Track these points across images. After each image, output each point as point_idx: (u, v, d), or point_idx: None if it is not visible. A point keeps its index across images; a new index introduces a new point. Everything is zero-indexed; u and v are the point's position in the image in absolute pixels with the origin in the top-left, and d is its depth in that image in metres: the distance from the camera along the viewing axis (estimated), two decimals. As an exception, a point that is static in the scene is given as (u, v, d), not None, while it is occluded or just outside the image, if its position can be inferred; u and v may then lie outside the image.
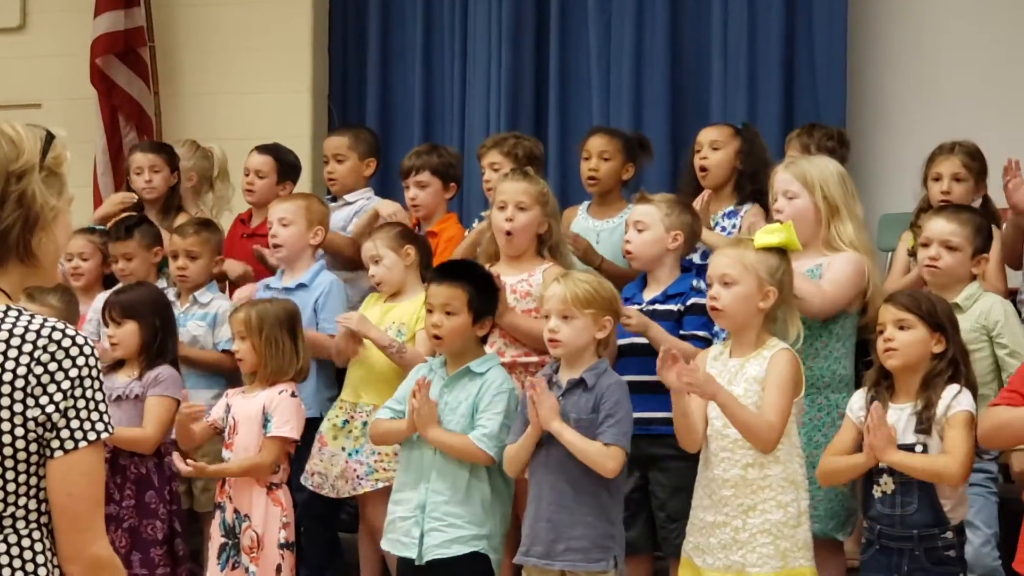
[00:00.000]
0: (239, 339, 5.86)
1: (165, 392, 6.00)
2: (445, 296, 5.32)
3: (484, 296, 5.38)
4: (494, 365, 5.40)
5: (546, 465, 5.09)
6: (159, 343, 6.08)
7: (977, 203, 6.24)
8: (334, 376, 6.43)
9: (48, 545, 2.82)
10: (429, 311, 5.38)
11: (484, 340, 5.46)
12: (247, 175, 7.24)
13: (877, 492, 4.79)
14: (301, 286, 6.42)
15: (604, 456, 4.98)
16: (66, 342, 2.78)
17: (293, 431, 5.71)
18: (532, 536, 5.11)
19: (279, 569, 5.64)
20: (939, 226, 5.47)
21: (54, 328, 2.80)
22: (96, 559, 2.82)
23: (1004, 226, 5.98)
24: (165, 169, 7.39)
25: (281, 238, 6.50)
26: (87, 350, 2.80)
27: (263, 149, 7.31)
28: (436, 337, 5.36)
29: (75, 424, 2.77)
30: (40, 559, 2.80)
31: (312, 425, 6.17)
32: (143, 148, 7.58)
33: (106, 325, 6.15)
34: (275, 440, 5.70)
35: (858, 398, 4.91)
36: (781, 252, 4.95)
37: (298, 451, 6.08)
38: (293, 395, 5.77)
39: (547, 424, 5.00)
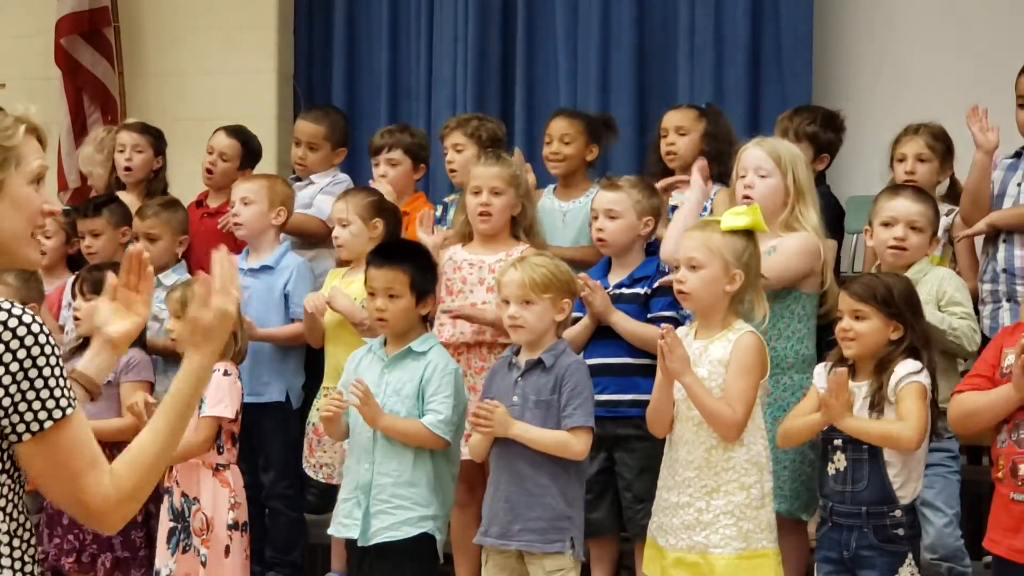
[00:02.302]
0: (175, 318, 5.84)
1: (139, 377, 6.00)
2: (387, 279, 5.30)
3: (425, 276, 5.36)
4: (435, 344, 5.39)
5: (506, 446, 5.08)
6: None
7: (944, 185, 6.26)
8: (303, 362, 6.43)
9: (12, 528, 2.78)
10: (371, 295, 5.36)
11: (426, 319, 5.44)
12: (210, 153, 7.16)
13: (831, 469, 4.85)
14: (266, 268, 6.40)
15: (569, 442, 4.99)
16: (12, 322, 2.70)
17: (227, 410, 5.68)
18: (490, 516, 5.12)
19: (228, 550, 5.62)
20: (904, 206, 5.42)
21: None
22: (90, 511, 2.79)
23: (968, 177, 5.98)
24: (149, 151, 7.34)
25: (243, 217, 6.47)
26: (35, 328, 2.72)
27: (231, 132, 7.22)
28: (381, 320, 5.34)
29: (37, 406, 2.72)
30: (4, 538, 2.76)
31: (270, 409, 6.20)
32: (130, 127, 7.52)
33: (73, 298, 6.13)
34: (207, 420, 5.67)
35: (822, 369, 4.95)
36: (748, 234, 4.95)
37: (272, 436, 6.08)
38: (226, 373, 5.75)
39: (506, 432, 5.01)
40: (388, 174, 6.75)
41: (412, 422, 5.24)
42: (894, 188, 5.69)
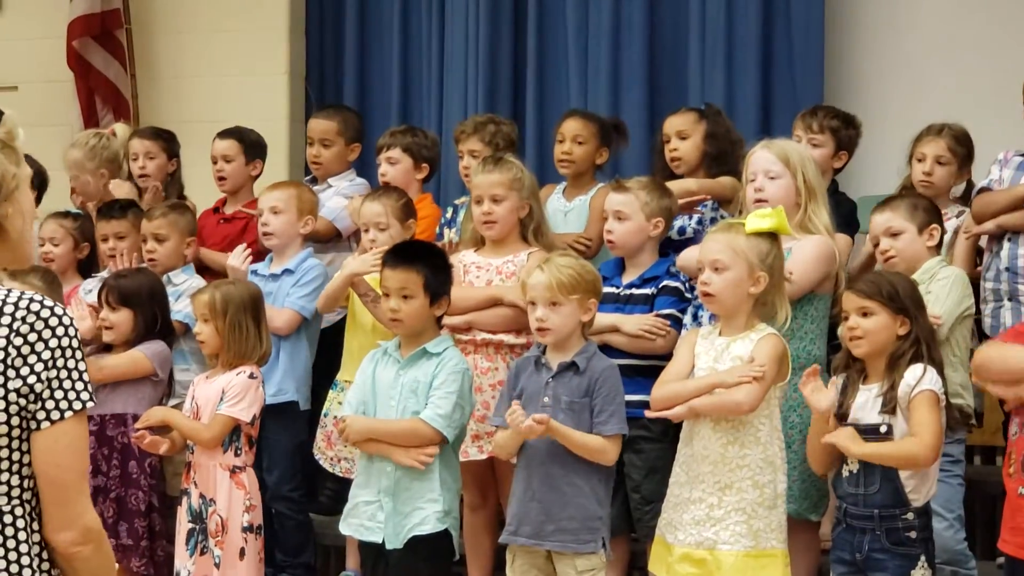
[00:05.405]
0: (202, 321, 5.83)
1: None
2: (401, 280, 5.30)
3: (439, 277, 5.36)
4: (450, 345, 5.40)
5: (536, 446, 5.09)
6: (155, 333, 6.11)
7: (961, 188, 6.27)
8: (312, 364, 6.45)
9: (29, 522, 2.81)
10: (386, 295, 5.36)
11: (440, 320, 5.45)
12: (215, 163, 7.16)
13: (845, 471, 4.88)
14: (287, 272, 6.43)
15: (604, 447, 5.02)
16: (45, 313, 2.79)
17: (244, 413, 5.67)
18: (520, 516, 5.12)
19: (242, 553, 5.63)
20: (877, 220, 5.57)
21: (32, 300, 2.80)
22: (87, 529, 2.83)
23: (998, 194, 5.98)
24: (161, 156, 7.37)
25: (272, 226, 6.50)
26: (66, 320, 2.81)
27: (225, 134, 7.22)
28: (395, 320, 5.34)
29: (59, 395, 2.78)
30: (22, 535, 2.80)
31: (281, 409, 6.22)
32: (141, 134, 7.53)
33: (101, 308, 6.15)
34: (223, 417, 5.66)
35: (833, 388, 4.94)
36: (771, 236, 4.99)
37: (279, 437, 6.09)
38: (252, 376, 5.74)
39: (545, 433, 4.99)
40: (388, 172, 6.77)
41: (403, 421, 5.24)
42: (874, 207, 5.75)
